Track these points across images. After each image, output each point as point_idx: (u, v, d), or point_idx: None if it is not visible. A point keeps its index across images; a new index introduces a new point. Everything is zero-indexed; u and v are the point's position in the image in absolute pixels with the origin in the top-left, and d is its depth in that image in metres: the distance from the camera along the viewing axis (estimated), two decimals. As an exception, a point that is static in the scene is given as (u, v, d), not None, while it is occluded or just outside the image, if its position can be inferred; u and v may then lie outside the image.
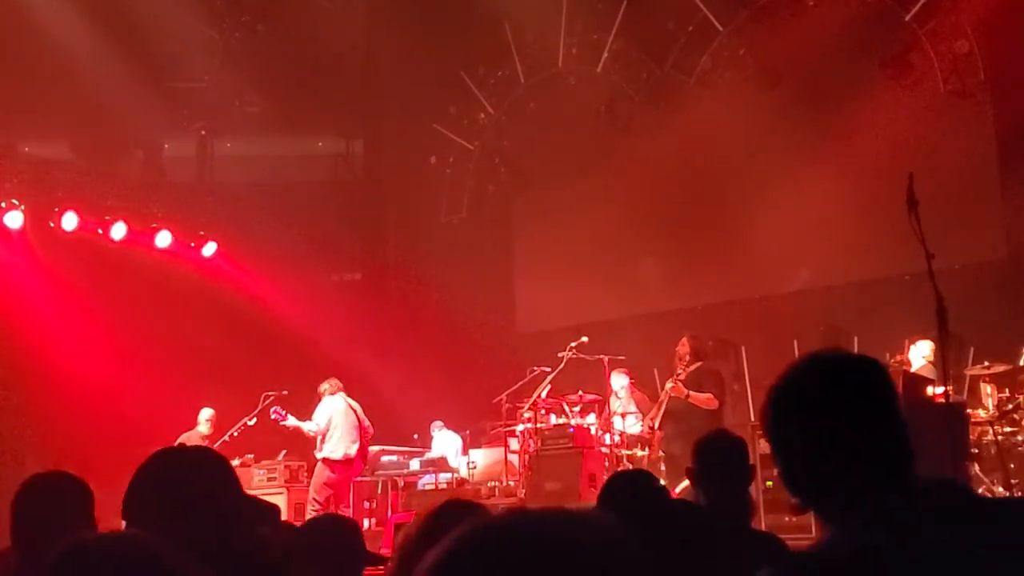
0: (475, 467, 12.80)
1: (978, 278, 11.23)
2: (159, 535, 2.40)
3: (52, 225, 13.77)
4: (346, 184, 18.11)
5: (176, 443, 12.70)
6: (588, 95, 15.58)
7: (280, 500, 11.23)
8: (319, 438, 11.92)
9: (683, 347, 10.46)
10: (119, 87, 14.27)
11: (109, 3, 14.04)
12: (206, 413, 12.98)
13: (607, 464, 10.98)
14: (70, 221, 13.83)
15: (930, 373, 9.92)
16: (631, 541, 1.28)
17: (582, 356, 11.57)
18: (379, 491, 13.10)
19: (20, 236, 13.63)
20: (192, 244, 15.23)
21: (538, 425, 11.49)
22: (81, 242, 14.01)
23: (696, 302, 14.50)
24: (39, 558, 2.18)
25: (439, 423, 14.07)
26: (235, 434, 12.44)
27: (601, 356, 11.64)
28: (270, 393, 12.40)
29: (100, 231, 14.23)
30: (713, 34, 14.48)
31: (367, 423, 12.21)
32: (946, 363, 6.53)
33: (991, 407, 9.73)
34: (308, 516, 10.83)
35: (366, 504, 13.12)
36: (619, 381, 11.90)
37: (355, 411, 12.12)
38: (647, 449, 11.03)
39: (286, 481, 12.36)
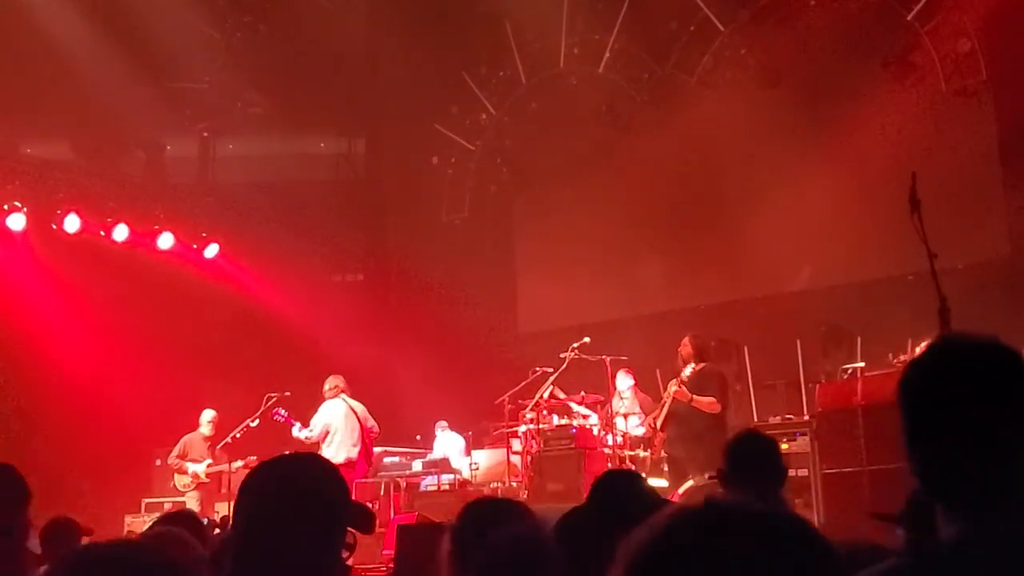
0: (477, 468, 12.79)
1: (981, 277, 11.20)
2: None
3: (54, 227, 13.77)
4: (348, 184, 18.11)
5: (178, 445, 12.75)
6: (589, 95, 15.58)
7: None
8: (320, 443, 11.89)
9: (685, 348, 10.43)
10: (120, 88, 14.27)
11: (110, 4, 14.05)
12: (208, 415, 12.98)
13: (610, 465, 10.97)
14: (72, 223, 13.83)
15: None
16: None
17: (584, 357, 11.56)
18: (381, 492, 13.08)
19: (22, 238, 13.63)
20: (194, 245, 15.23)
21: (540, 426, 11.49)
22: (83, 244, 14.01)
23: (698, 302, 14.49)
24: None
25: (443, 423, 14.06)
26: (237, 436, 12.42)
27: (603, 356, 11.62)
28: (272, 394, 12.37)
29: (102, 233, 14.23)
30: (714, 34, 14.47)
31: (371, 424, 12.18)
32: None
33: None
34: None
35: (369, 505, 13.11)
36: (624, 382, 11.90)
37: (355, 413, 12.07)
38: (649, 450, 11.02)
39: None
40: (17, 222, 13.44)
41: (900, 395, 2.03)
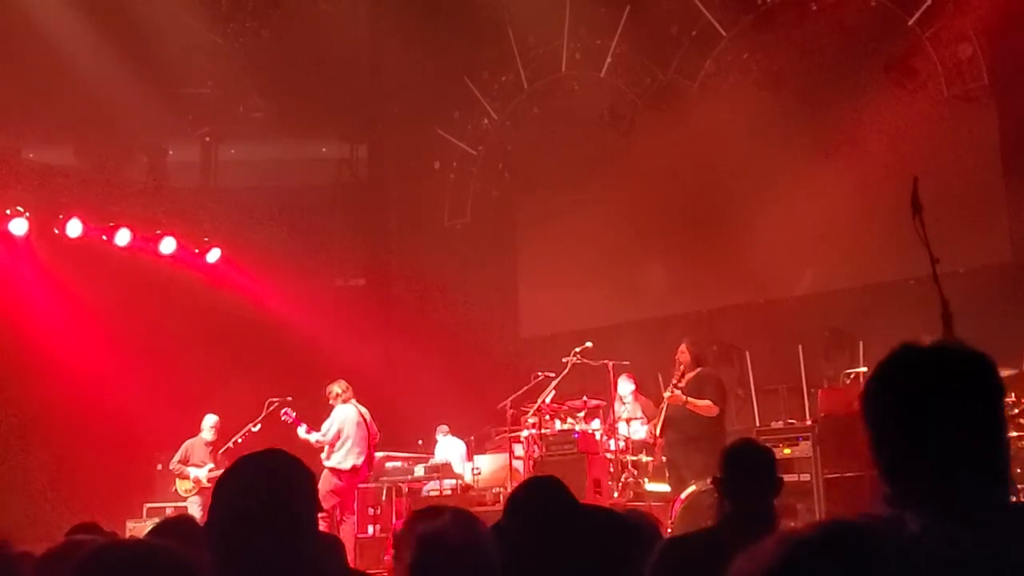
0: (479, 473, 12.78)
1: (983, 282, 11.19)
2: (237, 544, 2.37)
3: (56, 231, 13.78)
4: (350, 189, 18.10)
5: (180, 450, 12.74)
6: (591, 100, 15.58)
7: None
8: (326, 446, 11.89)
9: (683, 354, 10.43)
10: (123, 93, 14.29)
11: (113, 9, 14.05)
12: (210, 420, 12.97)
13: (612, 470, 10.97)
14: (74, 227, 13.84)
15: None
16: None
17: (586, 361, 11.55)
18: (383, 497, 13.08)
19: (25, 243, 13.64)
20: (196, 250, 15.23)
21: (542, 431, 11.48)
22: (85, 248, 14.02)
23: (700, 306, 14.49)
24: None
25: (444, 427, 14.06)
26: (239, 440, 12.43)
27: (605, 361, 11.62)
28: (274, 399, 12.39)
29: (104, 237, 14.24)
30: (716, 39, 14.47)
31: (375, 429, 12.21)
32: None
33: (996, 412, 9.69)
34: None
35: (370, 510, 13.11)
36: (626, 387, 11.90)
37: (365, 420, 12.10)
38: (652, 455, 11.02)
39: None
40: (19, 227, 13.45)
41: (862, 403, 2.06)
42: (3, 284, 13.53)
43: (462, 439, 13.95)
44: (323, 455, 11.90)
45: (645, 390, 12.21)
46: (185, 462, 12.73)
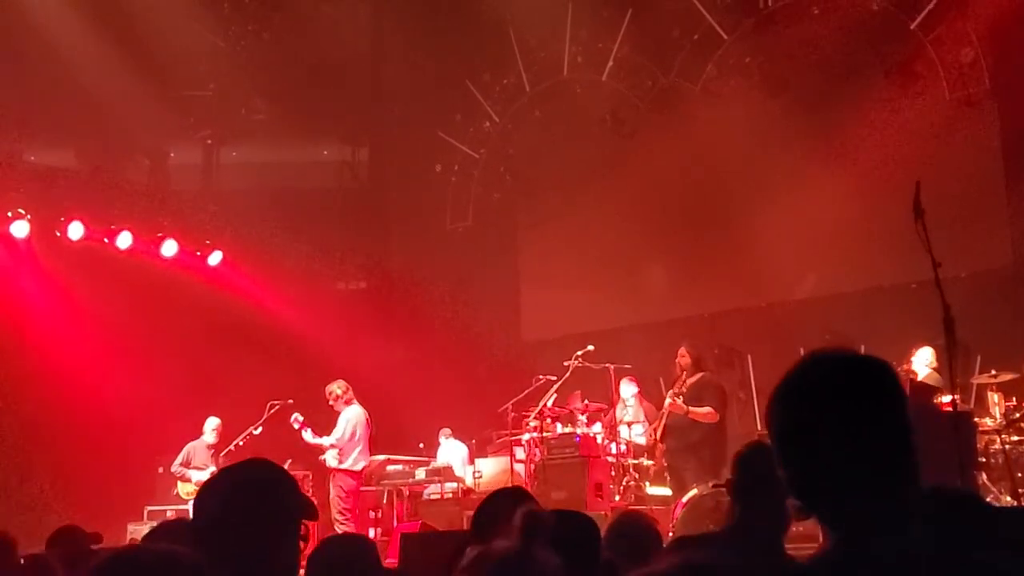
0: (481, 476, 12.77)
1: (984, 286, 11.20)
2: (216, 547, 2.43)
3: (58, 234, 13.78)
4: (351, 192, 18.11)
5: (182, 452, 12.75)
6: (593, 103, 15.59)
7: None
8: (338, 449, 11.87)
9: (683, 357, 10.44)
10: (124, 96, 14.30)
11: (114, 12, 14.06)
12: (212, 422, 12.97)
13: (613, 473, 10.96)
14: (76, 230, 13.83)
15: (935, 381, 9.90)
16: None
17: (588, 365, 11.55)
18: (384, 501, 13.07)
19: (26, 245, 13.63)
20: (198, 252, 15.22)
21: (544, 434, 11.47)
22: (87, 251, 14.01)
23: (702, 310, 14.47)
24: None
25: (447, 430, 14.04)
26: (241, 443, 12.43)
27: (607, 365, 11.61)
28: (276, 402, 12.39)
29: (106, 240, 14.22)
30: (718, 42, 14.49)
31: (373, 429, 12.25)
32: (953, 372, 6.49)
33: (998, 416, 9.69)
34: (339, 531, 10.80)
35: (372, 514, 13.09)
36: (628, 389, 11.88)
37: (368, 421, 12.13)
38: (653, 459, 11.02)
39: (291, 490, 12.30)
40: (21, 229, 13.44)
41: (770, 412, 2.07)
42: (4, 287, 13.52)
43: (464, 442, 13.94)
44: (332, 457, 11.86)
45: (647, 394, 12.19)
46: (187, 465, 12.73)
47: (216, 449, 12.80)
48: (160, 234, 14.77)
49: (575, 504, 10.35)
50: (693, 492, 9.16)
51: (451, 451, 13.81)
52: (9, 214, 13.37)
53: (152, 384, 13.43)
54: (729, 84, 14.54)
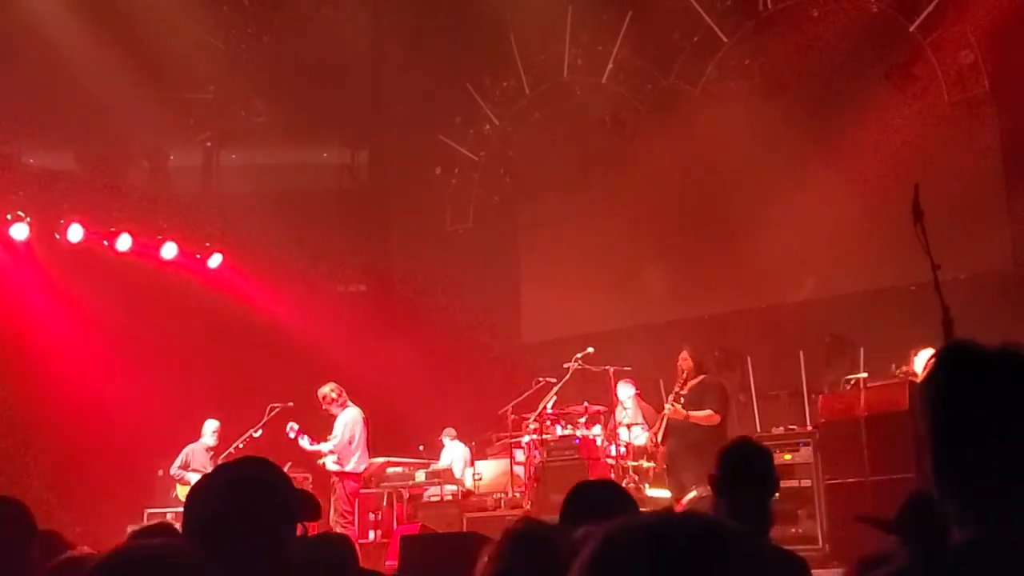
0: (480, 478, 12.78)
1: (984, 288, 11.20)
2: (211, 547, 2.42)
3: (57, 237, 13.78)
4: (351, 194, 18.12)
5: (181, 455, 12.76)
6: (593, 105, 15.59)
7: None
8: (338, 452, 11.85)
9: (685, 361, 10.44)
10: (124, 98, 14.29)
11: (114, 13, 14.06)
12: (211, 425, 12.98)
13: (613, 475, 10.96)
14: (75, 233, 13.83)
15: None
16: None
17: (588, 367, 11.55)
18: (384, 503, 13.08)
19: (25, 248, 13.64)
20: (197, 255, 15.23)
21: (544, 436, 11.48)
22: (86, 254, 14.01)
23: (702, 312, 14.47)
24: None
25: (451, 431, 14.04)
26: (240, 446, 12.42)
27: (607, 367, 11.62)
28: (275, 404, 12.38)
29: (105, 242, 14.23)
30: (718, 44, 14.49)
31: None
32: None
33: (998, 417, 9.67)
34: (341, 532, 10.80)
35: (371, 516, 13.10)
36: (626, 391, 11.88)
37: (366, 420, 12.13)
38: (653, 461, 11.02)
39: (291, 492, 12.29)
40: (20, 232, 13.45)
41: (922, 399, 1.99)
42: (4, 289, 13.52)
43: (464, 444, 13.94)
44: (332, 462, 11.83)
45: (646, 396, 12.19)
46: (186, 467, 12.74)
47: (216, 451, 12.81)
48: (160, 236, 14.78)
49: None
50: (692, 494, 9.17)
51: (454, 451, 13.81)
52: (8, 216, 13.38)
53: (151, 386, 13.43)
54: (729, 86, 14.54)
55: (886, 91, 13.09)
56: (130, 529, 12.21)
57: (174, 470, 12.76)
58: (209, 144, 17.16)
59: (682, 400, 10.25)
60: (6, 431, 13.08)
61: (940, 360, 1.99)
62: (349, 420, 11.95)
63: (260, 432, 12.39)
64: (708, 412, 10.03)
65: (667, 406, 10.32)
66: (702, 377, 10.39)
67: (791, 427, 10.86)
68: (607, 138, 15.33)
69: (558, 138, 16.06)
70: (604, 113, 15.36)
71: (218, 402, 13.33)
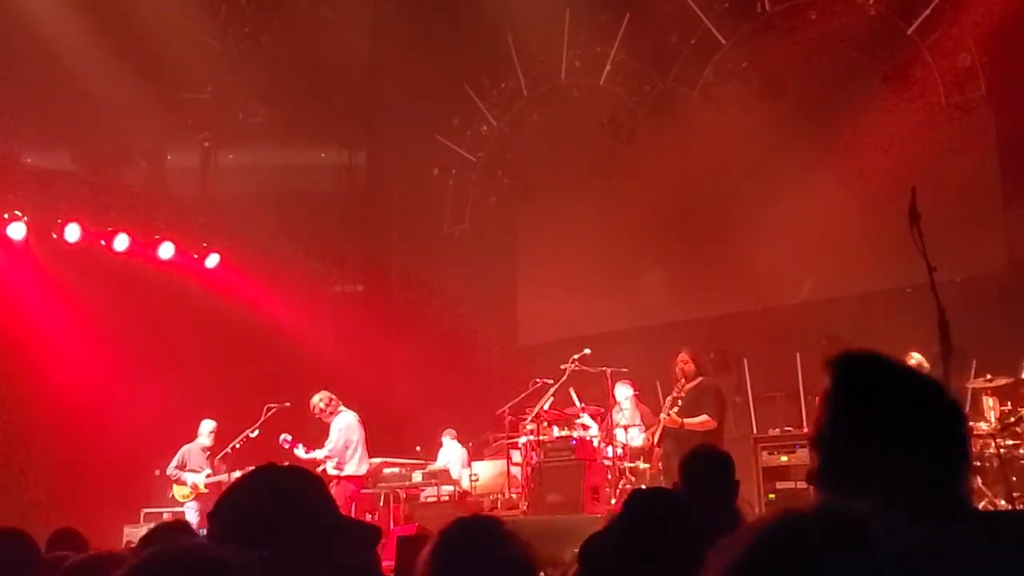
0: (477, 479, 12.78)
1: (980, 291, 11.22)
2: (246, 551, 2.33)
3: (55, 236, 13.78)
4: (349, 195, 18.12)
5: (177, 455, 12.74)
6: (591, 107, 15.61)
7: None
8: (335, 457, 11.85)
9: (686, 364, 10.43)
10: (122, 98, 14.30)
11: (112, 14, 14.05)
12: (208, 425, 12.97)
13: (610, 476, 10.97)
14: (73, 232, 13.85)
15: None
16: None
17: (585, 368, 11.55)
18: (381, 503, 13.07)
19: (23, 247, 13.64)
20: (195, 255, 15.23)
21: (540, 437, 11.47)
22: (84, 253, 14.02)
23: (699, 314, 14.47)
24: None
25: (451, 431, 14.03)
26: (237, 446, 12.40)
27: (604, 368, 11.62)
28: (272, 405, 12.36)
29: (103, 242, 14.24)
30: (716, 47, 14.49)
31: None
32: (948, 376, 6.50)
33: (993, 420, 9.70)
34: None
35: (368, 517, 13.09)
36: (624, 392, 11.87)
37: (361, 422, 12.13)
38: (649, 463, 11.03)
39: (289, 493, 12.29)
40: (18, 231, 13.45)
41: (822, 404, 2.14)
42: (1, 289, 13.52)
43: (462, 445, 13.95)
44: (331, 466, 11.83)
45: (644, 398, 12.20)
46: (182, 467, 12.74)
47: (212, 452, 12.80)
48: (157, 236, 14.79)
49: (571, 507, 10.37)
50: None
51: (452, 452, 13.81)
52: (6, 216, 13.38)
53: (148, 386, 13.43)
54: (727, 89, 14.55)
55: (883, 94, 13.11)
56: (127, 530, 12.30)
57: (170, 470, 12.75)
58: (207, 144, 17.17)
59: (679, 404, 10.26)
60: (3, 431, 13.08)
61: (880, 367, 2.14)
62: (344, 425, 11.96)
63: (257, 432, 12.36)
64: (704, 418, 10.04)
65: (663, 415, 10.34)
66: (700, 379, 10.39)
67: (788, 429, 10.88)
68: (605, 140, 15.34)
69: (556, 140, 16.07)
70: (602, 115, 15.37)
71: (215, 402, 13.32)
